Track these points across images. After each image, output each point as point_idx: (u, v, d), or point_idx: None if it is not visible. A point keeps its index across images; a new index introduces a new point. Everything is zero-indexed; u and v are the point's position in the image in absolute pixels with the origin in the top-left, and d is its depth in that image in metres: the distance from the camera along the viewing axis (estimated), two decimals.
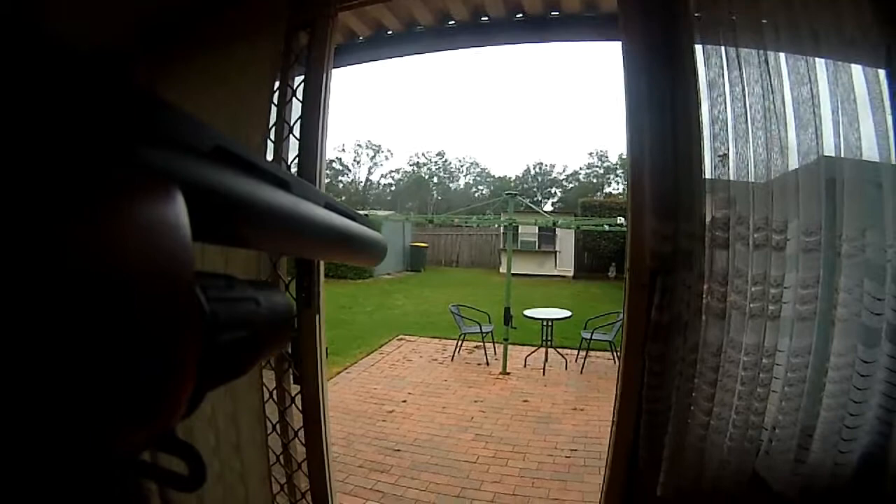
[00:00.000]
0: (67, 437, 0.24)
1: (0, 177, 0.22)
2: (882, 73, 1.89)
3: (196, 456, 0.39)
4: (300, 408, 2.41)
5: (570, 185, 53.17)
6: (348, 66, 3.02)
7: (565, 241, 22.94)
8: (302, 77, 2.36)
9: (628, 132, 2.01)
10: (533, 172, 56.21)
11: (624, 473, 2.06)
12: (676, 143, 1.91)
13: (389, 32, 2.92)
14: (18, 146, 0.23)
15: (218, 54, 2.41)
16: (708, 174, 1.92)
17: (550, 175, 55.66)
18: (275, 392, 2.41)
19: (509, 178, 56.60)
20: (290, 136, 2.34)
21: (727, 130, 1.90)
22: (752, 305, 1.88)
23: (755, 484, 1.96)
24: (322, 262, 2.34)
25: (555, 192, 54.73)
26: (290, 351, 2.37)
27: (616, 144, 53.70)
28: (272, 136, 2.34)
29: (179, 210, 0.30)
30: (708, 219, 1.91)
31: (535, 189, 54.54)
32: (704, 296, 1.91)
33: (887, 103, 1.88)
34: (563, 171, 55.04)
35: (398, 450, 5.11)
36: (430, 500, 4.16)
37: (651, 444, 1.97)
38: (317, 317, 2.30)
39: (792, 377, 1.89)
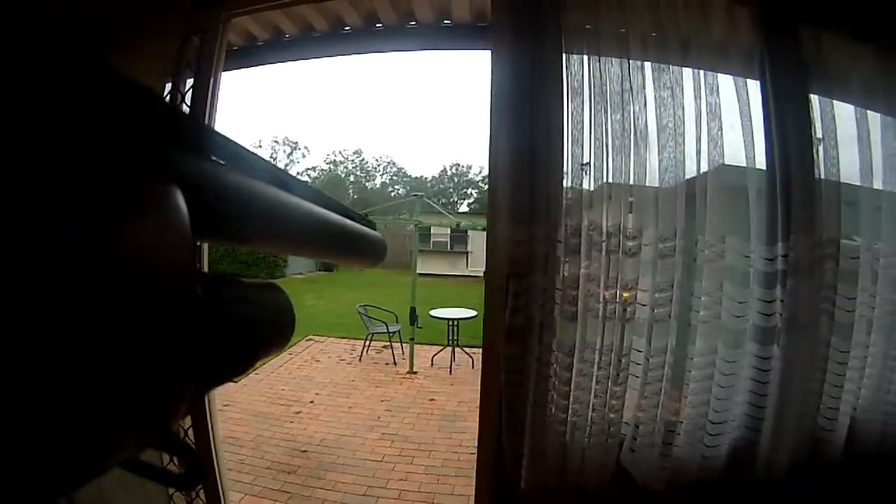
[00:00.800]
0: (68, 436, 0.24)
1: (0, 177, 0.22)
2: (751, 82, 2.01)
3: (194, 456, 0.39)
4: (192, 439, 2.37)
5: (486, 187, 53.51)
6: (249, 69, 2.98)
7: (477, 241, 23.03)
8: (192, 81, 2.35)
9: (490, 139, 2.02)
10: (449, 173, 56.36)
11: (491, 470, 2.12)
12: (535, 151, 1.95)
13: (287, 36, 2.93)
14: (18, 146, 0.22)
15: (112, 61, 2.34)
16: (567, 182, 1.96)
17: (467, 176, 55.89)
18: None
19: (426, 178, 56.56)
20: None
21: (587, 139, 1.95)
22: (605, 308, 1.95)
23: (621, 478, 2.03)
24: (205, 266, 2.33)
25: (471, 193, 54.97)
26: None
27: None
28: None
29: (179, 210, 0.30)
30: (563, 225, 1.95)
31: (451, 189, 54.73)
32: (558, 299, 1.95)
33: (756, 112, 2.00)
34: (480, 172, 55.23)
35: (305, 450, 5.06)
36: (337, 499, 4.13)
37: (512, 440, 2.02)
38: None
39: (651, 376, 1.96)
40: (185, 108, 2.33)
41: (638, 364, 1.99)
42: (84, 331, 0.24)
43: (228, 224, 0.43)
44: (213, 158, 0.41)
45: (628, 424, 2.05)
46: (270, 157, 51.91)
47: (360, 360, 8.92)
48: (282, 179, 0.53)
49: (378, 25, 2.82)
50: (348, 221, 0.75)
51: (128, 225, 0.27)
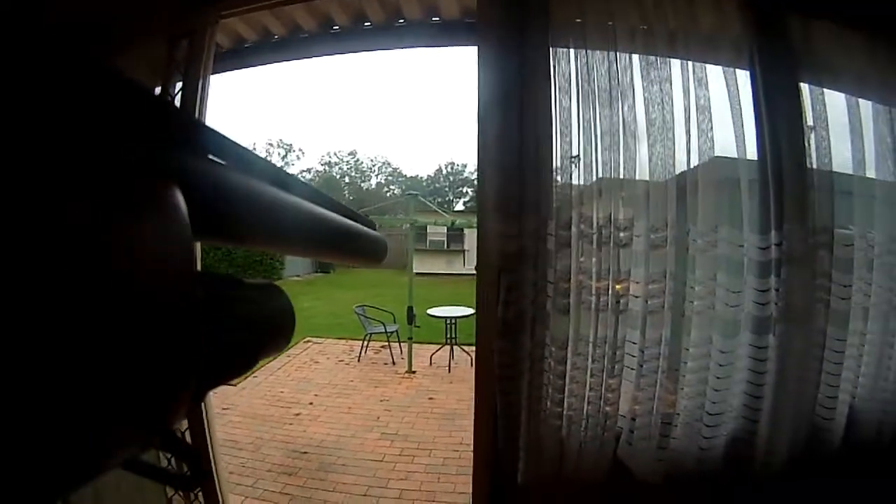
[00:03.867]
0: (67, 437, 0.24)
1: (2, 177, 0.22)
2: (741, 73, 2.01)
3: (196, 455, 0.36)
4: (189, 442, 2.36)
5: None
6: (238, 70, 3.00)
7: (473, 239, 23.02)
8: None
9: (479, 133, 2.02)
10: (445, 172, 56.35)
11: (487, 465, 2.11)
12: (524, 145, 1.95)
13: (276, 38, 2.93)
14: (20, 146, 0.22)
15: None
16: (557, 176, 1.97)
17: (462, 174, 55.87)
18: None
19: (421, 177, 56.58)
20: None
21: (576, 133, 1.95)
22: (598, 301, 1.94)
23: (618, 471, 2.03)
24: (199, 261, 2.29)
25: (466, 192, 54.94)
26: None
27: None
28: None
29: (180, 210, 0.30)
30: (553, 219, 1.95)
31: (447, 188, 54.73)
32: (550, 293, 1.95)
33: (746, 102, 2.00)
34: (475, 170, 55.37)
35: (305, 452, 5.05)
36: (338, 500, 4.13)
37: (508, 434, 2.02)
38: None
39: (646, 368, 1.97)
40: None
41: (633, 356, 1.99)
42: (82, 330, 0.24)
43: (229, 224, 0.43)
44: (214, 158, 0.41)
45: (624, 417, 2.05)
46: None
47: (358, 360, 8.91)
48: (282, 179, 0.53)
49: (367, 24, 2.82)
50: (349, 221, 0.75)
51: (127, 224, 0.27)
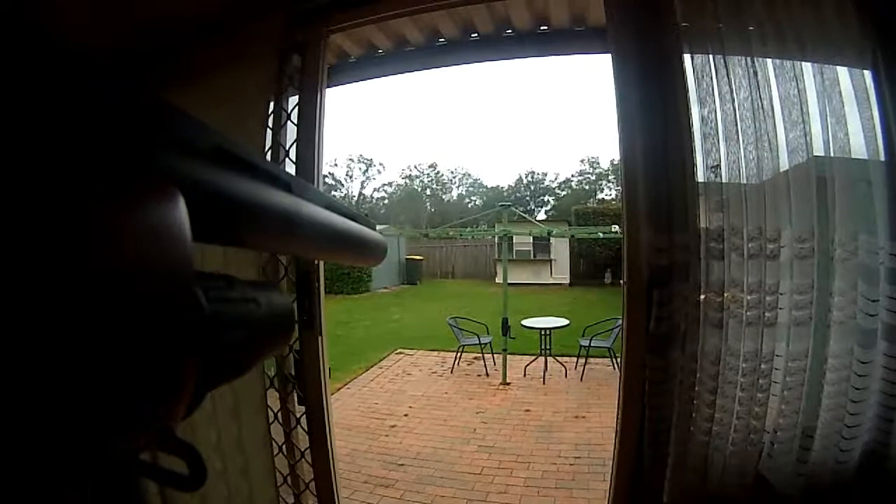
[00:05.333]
0: (68, 437, 0.24)
1: (2, 177, 0.21)
2: (867, 73, 1.91)
3: (196, 456, 0.39)
4: (305, 429, 2.42)
5: (563, 193, 53.06)
6: (341, 86, 3.03)
7: (560, 249, 22.92)
8: (296, 99, 2.38)
9: (621, 144, 2.02)
10: (525, 181, 56.13)
11: (629, 481, 2.07)
12: (668, 153, 1.93)
13: (381, 52, 2.94)
14: (19, 147, 0.22)
15: (212, 79, 2.43)
16: (703, 185, 1.94)
17: (543, 183, 55.61)
18: (280, 413, 2.42)
19: (502, 187, 56.50)
20: (287, 159, 2.36)
21: (718, 138, 1.92)
22: (748, 314, 1.89)
23: (759, 486, 1.97)
24: (322, 283, 2.35)
25: (547, 200, 54.63)
26: (293, 372, 2.38)
27: (607, 150, 53.66)
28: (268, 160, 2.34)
29: (180, 211, 0.30)
30: (703, 229, 1.93)
31: (527, 198, 54.51)
32: (701, 306, 1.92)
33: (874, 101, 1.90)
34: (556, 178, 54.86)
35: (402, 464, 5.08)
36: None
37: (655, 451, 1.98)
38: (319, 338, 2.31)
39: (790, 381, 1.90)
40: (292, 127, 2.37)
41: (778, 369, 1.93)
42: (78, 331, 0.24)
43: (229, 225, 0.43)
44: (214, 159, 0.40)
45: (767, 432, 1.98)
46: (346, 174, 53.29)
47: (451, 372, 8.93)
48: (283, 180, 0.53)
49: (473, 35, 2.80)
50: (350, 222, 0.74)
51: (128, 226, 0.27)
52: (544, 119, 72.06)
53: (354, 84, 3.09)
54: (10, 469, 0.22)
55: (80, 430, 0.25)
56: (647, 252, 1.94)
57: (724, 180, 1.93)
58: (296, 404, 2.43)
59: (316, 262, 2.30)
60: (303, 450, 2.45)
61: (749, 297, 1.90)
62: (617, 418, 2.12)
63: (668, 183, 1.94)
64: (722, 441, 1.97)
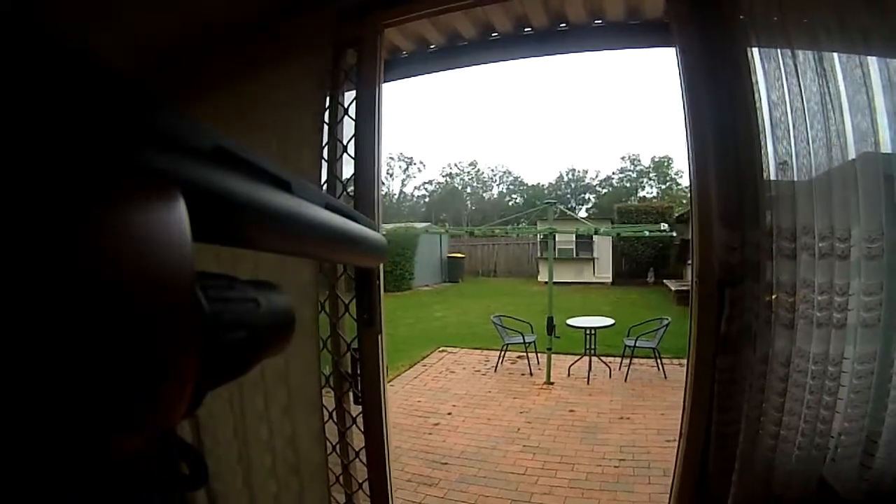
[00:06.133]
0: (67, 438, 0.24)
1: (1, 177, 0.21)
2: None
3: (197, 456, 0.39)
4: (361, 428, 2.43)
5: (604, 191, 52.75)
6: (393, 82, 3.02)
7: (602, 247, 22.80)
8: (352, 94, 2.39)
9: (689, 140, 2.01)
10: (566, 179, 55.95)
11: (692, 486, 2.05)
12: (738, 149, 1.91)
13: (433, 47, 2.94)
14: (19, 146, 0.22)
15: (266, 74, 2.44)
16: (773, 183, 1.92)
17: (584, 181, 55.32)
18: (335, 413, 2.43)
19: (542, 185, 56.41)
20: (345, 154, 2.36)
21: (788, 133, 1.89)
22: (818, 314, 1.86)
23: (822, 491, 1.95)
24: (382, 281, 2.35)
25: (588, 198, 54.38)
26: (349, 371, 2.39)
27: (648, 147, 53.26)
28: (325, 156, 2.36)
29: (180, 211, 0.30)
30: (773, 227, 1.90)
31: (568, 195, 54.28)
32: (773, 306, 1.90)
33: None
34: (596, 176, 54.64)
35: (445, 463, 5.09)
36: None
37: (722, 455, 1.96)
38: (378, 336, 2.31)
39: (857, 384, 1.87)
40: (349, 122, 2.38)
41: (845, 372, 1.90)
42: (83, 331, 0.24)
43: (231, 227, 0.43)
44: (214, 159, 0.40)
45: (832, 436, 1.95)
46: (387, 173, 53.74)
47: (494, 370, 8.90)
48: (284, 180, 0.52)
49: (526, 30, 2.78)
50: (350, 223, 0.74)
51: (127, 226, 0.27)
52: (585, 116, 71.82)
53: (406, 80, 3.10)
54: (11, 469, 0.22)
55: (79, 430, 0.25)
56: (718, 250, 1.92)
57: (795, 177, 1.90)
58: (351, 403, 2.44)
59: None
60: (357, 449, 2.46)
61: (819, 298, 1.87)
62: (682, 421, 2.09)
63: (738, 179, 1.92)
64: (788, 445, 1.94)
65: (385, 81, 2.81)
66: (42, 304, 0.22)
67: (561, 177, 56.15)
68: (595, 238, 21.79)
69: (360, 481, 2.49)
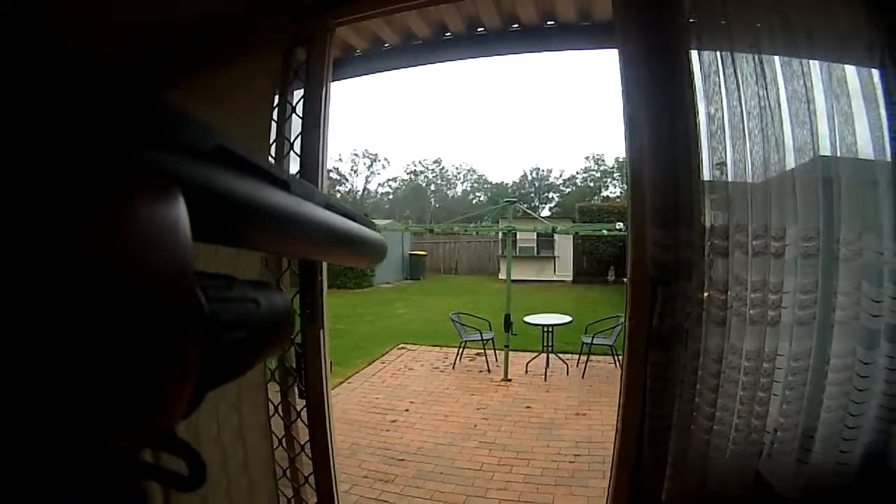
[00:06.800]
0: (67, 437, 0.24)
1: (1, 177, 0.22)
2: (875, 71, 1.90)
3: (196, 456, 0.39)
4: (305, 422, 2.42)
5: (568, 190, 53.19)
6: (347, 80, 3.04)
7: (564, 245, 22.96)
8: (301, 93, 2.38)
9: (627, 140, 2.02)
10: (530, 178, 56.30)
11: (628, 480, 2.07)
12: (675, 150, 1.93)
13: (387, 45, 2.94)
14: (19, 146, 0.22)
15: (218, 73, 2.43)
16: (709, 182, 1.94)
17: (548, 180, 55.71)
18: (280, 406, 2.43)
19: (506, 184, 56.69)
20: (291, 152, 2.35)
21: (724, 135, 1.92)
22: (751, 312, 1.89)
23: (758, 486, 1.97)
24: (325, 277, 2.36)
25: (552, 197, 54.78)
26: (294, 366, 2.39)
27: (613, 148, 53.79)
28: (272, 154, 2.35)
29: (180, 211, 0.30)
30: (707, 227, 1.93)
31: (532, 194, 54.64)
32: (705, 304, 1.92)
33: (881, 101, 1.89)
34: (560, 175, 55.10)
35: (402, 459, 5.09)
36: None
37: (655, 450, 1.98)
38: (321, 332, 2.31)
39: (792, 380, 1.91)
40: (297, 120, 2.37)
41: (780, 369, 1.93)
42: (83, 331, 0.24)
43: (231, 226, 0.44)
44: (214, 159, 0.40)
45: (768, 432, 1.98)
46: (351, 169, 53.32)
47: (453, 367, 8.93)
48: (283, 180, 0.53)
49: (480, 30, 2.81)
50: (350, 222, 0.75)
51: (128, 226, 0.27)
52: (550, 116, 72.27)
53: (360, 78, 3.12)
54: (11, 469, 0.22)
55: (79, 430, 0.25)
56: (651, 249, 1.94)
57: (729, 178, 1.93)
58: (296, 397, 2.44)
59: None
60: (302, 443, 2.45)
61: (753, 296, 1.90)
62: (617, 416, 2.12)
63: (674, 180, 1.94)
64: (723, 441, 1.97)
65: (340, 79, 2.82)
66: (41, 304, 0.22)
67: (525, 176, 56.51)
68: (557, 237, 21.94)
69: (307, 475, 2.49)
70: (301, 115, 2.36)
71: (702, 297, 1.93)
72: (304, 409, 2.42)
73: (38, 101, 0.23)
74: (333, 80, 2.49)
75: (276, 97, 2.38)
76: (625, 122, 2.03)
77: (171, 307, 0.30)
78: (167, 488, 0.38)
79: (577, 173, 54.40)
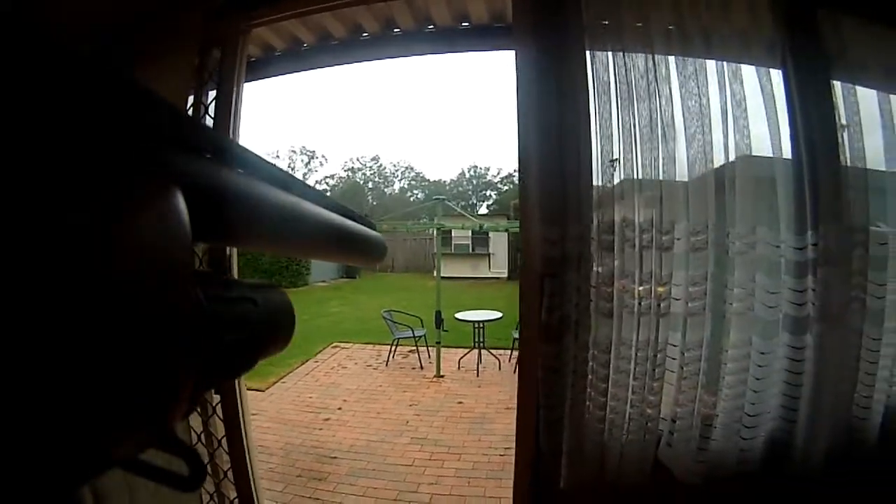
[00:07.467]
0: (66, 436, 0.24)
1: (1, 177, 0.22)
2: (775, 72, 1.99)
3: (196, 456, 0.38)
4: (221, 417, 2.43)
5: (506, 188, 53.24)
6: (268, 79, 3.04)
7: (498, 243, 23.09)
8: (214, 93, 2.39)
9: (519, 140, 2.04)
10: (468, 175, 56.31)
11: (529, 469, 2.10)
12: (564, 149, 1.96)
13: (305, 46, 2.96)
14: (19, 146, 0.22)
15: (137, 72, 2.37)
16: (597, 179, 1.97)
17: (485, 178, 55.80)
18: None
19: (444, 181, 56.49)
20: None
21: (616, 132, 1.96)
22: (640, 304, 1.95)
23: (659, 473, 2.03)
24: (235, 271, 2.37)
25: (490, 195, 54.88)
26: None
27: None
28: None
29: (180, 211, 0.30)
30: (595, 223, 1.96)
31: (469, 192, 54.70)
32: (593, 297, 1.96)
33: (780, 101, 1.98)
34: (498, 173, 55.23)
35: (335, 457, 5.07)
36: None
37: (551, 439, 2.01)
38: None
39: (687, 370, 1.97)
40: (209, 120, 2.36)
41: (673, 359, 1.99)
42: (83, 330, 0.24)
43: (229, 225, 0.44)
44: (215, 160, 0.41)
45: (665, 420, 2.05)
46: (288, 166, 52.14)
47: (386, 365, 8.94)
48: (282, 180, 0.53)
49: (396, 30, 2.85)
50: (349, 222, 0.75)
51: (126, 224, 0.27)
52: (488, 114, 72.43)
53: (281, 77, 3.10)
54: (11, 469, 0.22)
55: (80, 430, 0.25)
56: (540, 244, 1.95)
57: (619, 175, 1.97)
58: (212, 393, 2.44)
59: (228, 250, 2.30)
60: (220, 438, 2.46)
61: (641, 288, 1.95)
62: (517, 408, 2.12)
63: (562, 177, 1.96)
64: (618, 429, 2.01)
65: (259, 79, 2.82)
66: (41, 304, 0.22)
67: (463, 173, 56.50)
68: (491, 234, 22.11)
69: (225, 469, 2.49)
70: (213, 116, 2.37)
71: (589, 290, 1.97)
72: (220, 404, 2.43)
73: (38, 101, 0.24)
74: (254, 80, 2.49)
75: (192, 98, 2.38)
76: (517, 123, 2.05)
77: (172, 307, 0.30)
78: (167, 488, 0.38)
79: (515, 171, 54.48)
